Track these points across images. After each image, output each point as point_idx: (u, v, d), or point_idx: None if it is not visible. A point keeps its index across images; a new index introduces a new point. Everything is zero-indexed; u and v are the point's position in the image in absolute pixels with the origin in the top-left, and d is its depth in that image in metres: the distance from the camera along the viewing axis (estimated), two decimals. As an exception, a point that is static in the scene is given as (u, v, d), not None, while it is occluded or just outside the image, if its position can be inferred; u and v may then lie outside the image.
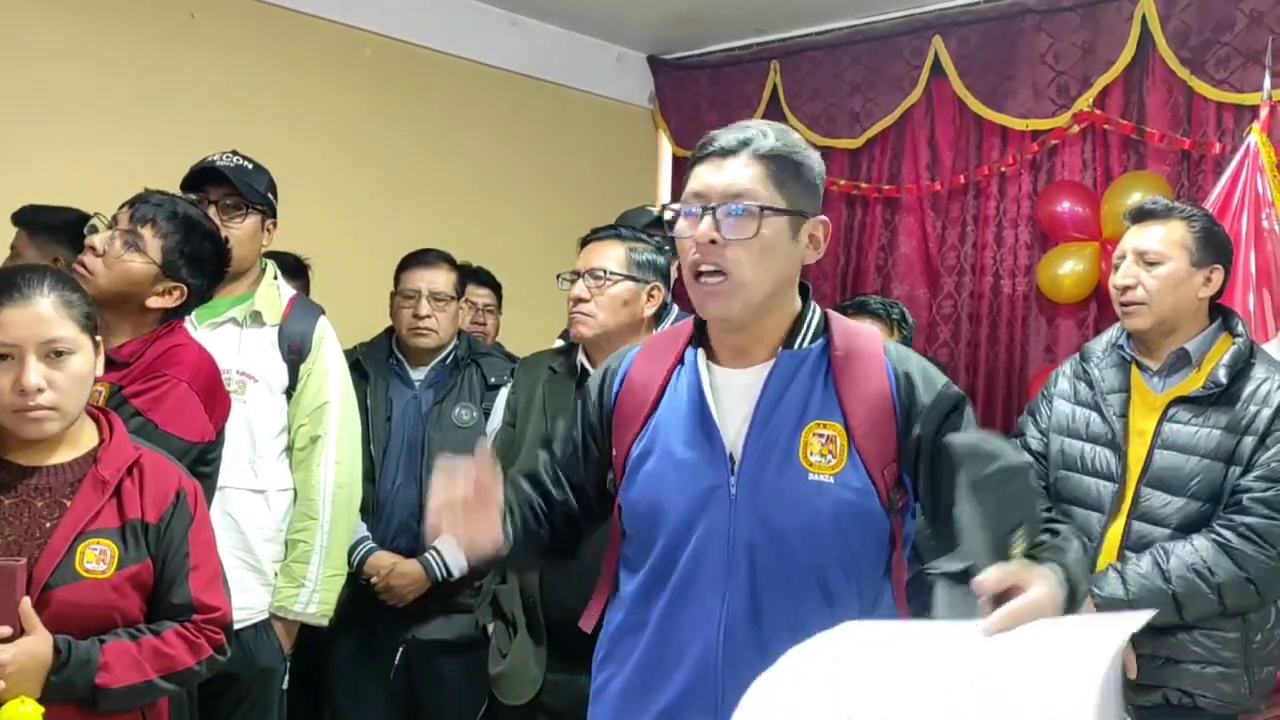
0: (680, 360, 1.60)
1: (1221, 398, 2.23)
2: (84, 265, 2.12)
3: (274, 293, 2.60)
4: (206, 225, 2.25)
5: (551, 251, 2.90)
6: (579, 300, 2.37)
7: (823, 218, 1.59)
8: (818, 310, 1.60)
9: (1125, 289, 2.32)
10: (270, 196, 2.59)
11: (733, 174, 1.50)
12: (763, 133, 1.53)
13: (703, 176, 1.53)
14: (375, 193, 4.06)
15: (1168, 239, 2.32)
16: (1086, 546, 1.45)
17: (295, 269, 3.30)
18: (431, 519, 1.48)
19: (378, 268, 3.25)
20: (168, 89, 3.57)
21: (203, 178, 2.51)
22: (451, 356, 3.03)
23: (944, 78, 4.22)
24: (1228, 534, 2.17)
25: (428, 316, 2.96)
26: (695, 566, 1.52)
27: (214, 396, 2.20)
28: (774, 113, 4.68)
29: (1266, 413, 2.20)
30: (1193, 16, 3.68)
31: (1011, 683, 1.11)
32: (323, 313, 2.67)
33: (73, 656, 1.66)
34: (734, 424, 1.54)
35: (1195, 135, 3.70)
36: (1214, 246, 2.34)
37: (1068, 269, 3.87)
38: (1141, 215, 2.40)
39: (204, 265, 2.21)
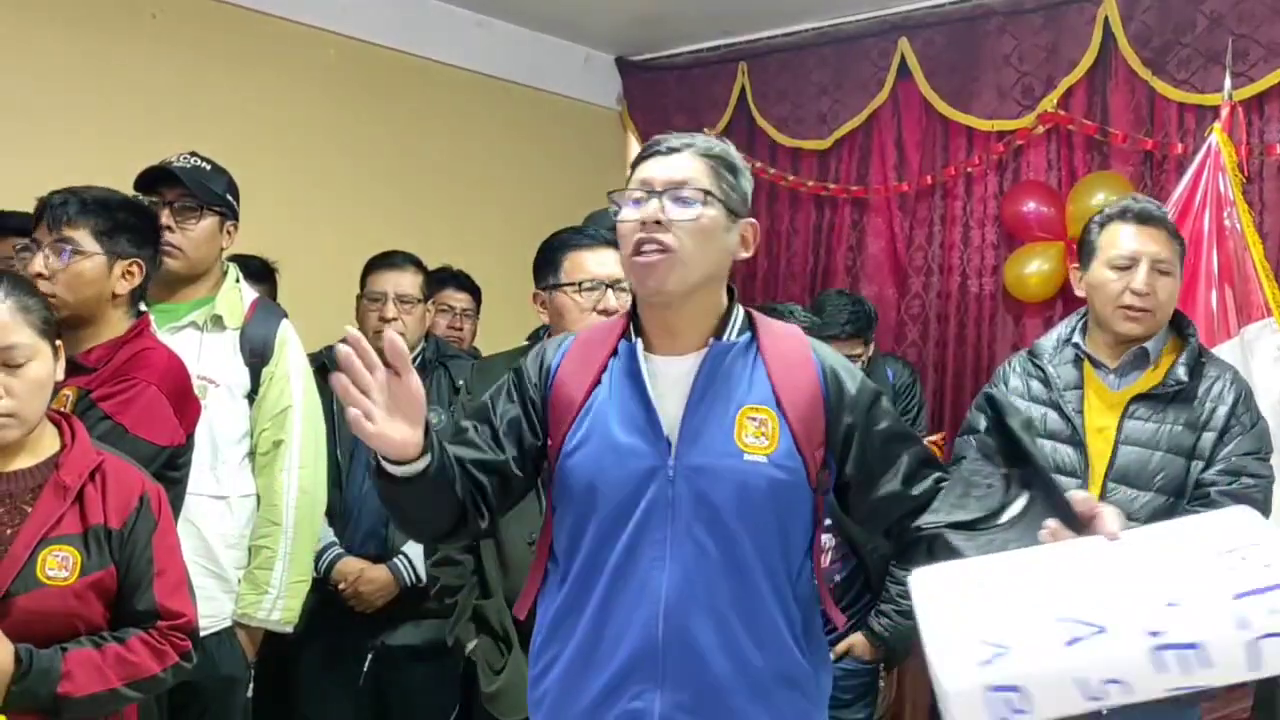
0: (614, 351, 1.67)
1: (1178, 395, 2.29)
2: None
3: (235, 296, 2.56)
4: (118, 196, 2.22)
5: (519, 253, 2.88)
6: (612, 313, 2.24)
7: (753, 220, 1.71)
8: (740, 308, 1.71)
9: (1144, 295, 2.28)
10: (229, 198, 2.54)
11: (678, 166, 1.62)
12: (707, 139, 1.67)
13: (649, 169, 1.64)
14: (340, 195, 4.03)
15: (1172, 248, 2.33)
16: None
17: (261, 272, 3.27)
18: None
19: (344, 270, 3.22)
20: (128, 90, 3.53)
21: (157, 179, 2.47)
22: (419, 360, 3.01)
23: (910, 79, 4.24)
24: None
25: (394, 319, 2.94)
26: (635, 545, 1.59)
27: (184, 400, 2.18)
28: (742, 114, 4.69)
29: (1223, 410, 2.27)
30: (1154, 18, 3.73)
31: (1221, 569, 1.21)
32: (285, 316, 2.63)
33: (34, 666, 1.64)
34: (671, 408, 1.62)
35: (1158, 135, 3.75)
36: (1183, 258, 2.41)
37: (1033, 268, 3.90)
38: (1148, 218, 2.34)
39: (141, 233, 2.19)
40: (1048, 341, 2.47)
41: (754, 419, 1.60)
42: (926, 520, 1.59)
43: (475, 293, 3.63)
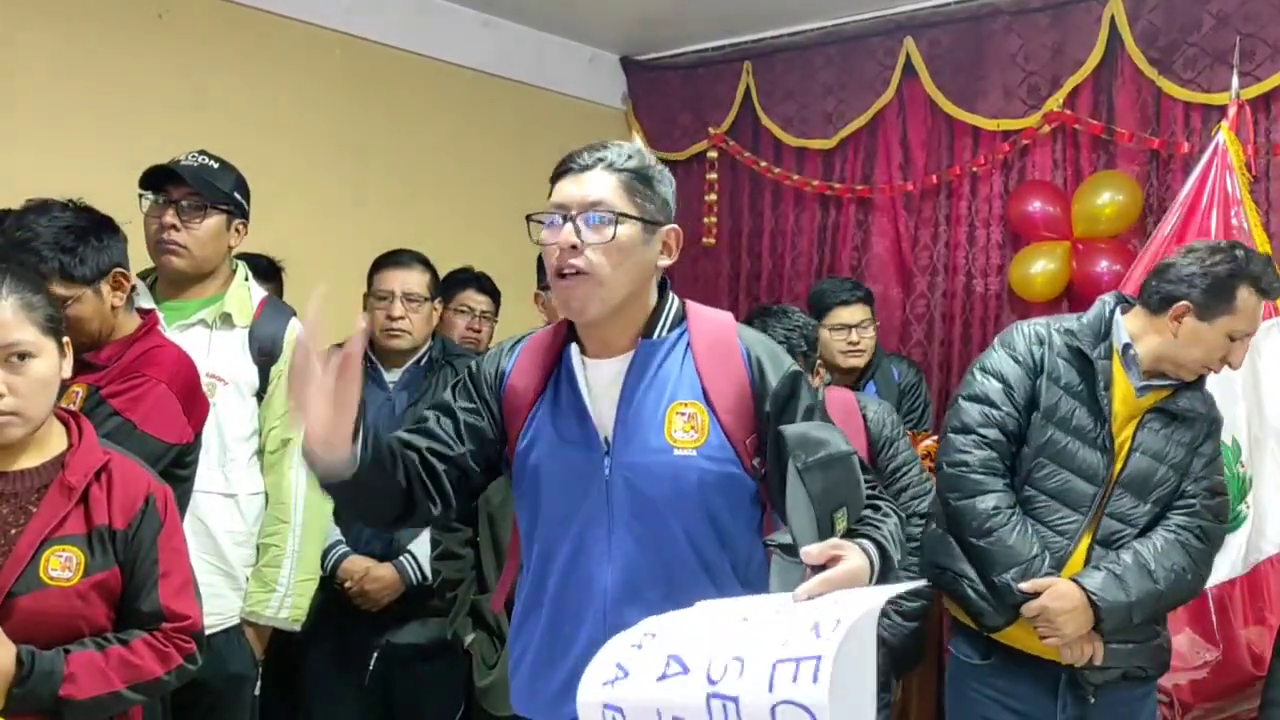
0: (558, 357, 1.73)
1: (1180, 414, 2.34)
2: None
3: (245, 294, 2.56)
4: (60, 220, 2.08)
5: (523, 254, 2.88)
6: None
7: (674, 226, 1.72)
8: (675, 301, 1.73)
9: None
10: (238, 196, 2.54)
11: (590, 186, 1.65)
12: (619, 151, 1.68)
13: (563, 190, 1.66)
14: (346, 193, 4.03)
15: None
16: (903, 520, 1.66)
17: (268, 271, 3.26)
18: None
19: (350, 269, 3.22)
20: (135, 89, 3.53)
21: (163, 178, 2.46)
22: (426, 358, 3.00)
23: (915, 78, 4.24)
24: (1188, 535, 2.32)
25: (401, 318, 2.93)
26: (580, 544, 1.66)
27: (192, 398, 2.18)
28: (747, 113, 4.69)
29: (1214, 435, 2.39)
30: (1160, 17, 3.72)
31: (767, 659, 1.28)
32: (294, 314, 2.63)
33: (36, 668, 1.64)
34: (605, 410, 1.67)
35: (1164, 135, 3.74)
36: None
37: (1039, 268, 3.89)
38: (1276, 296, 2.36)
39: (101, 240, 2.11)
40: (1084, 327, 2.35)
41: (683, 414, 1.64)
42: (773, 536, 1.62)
43: (495, 295, 3.60)
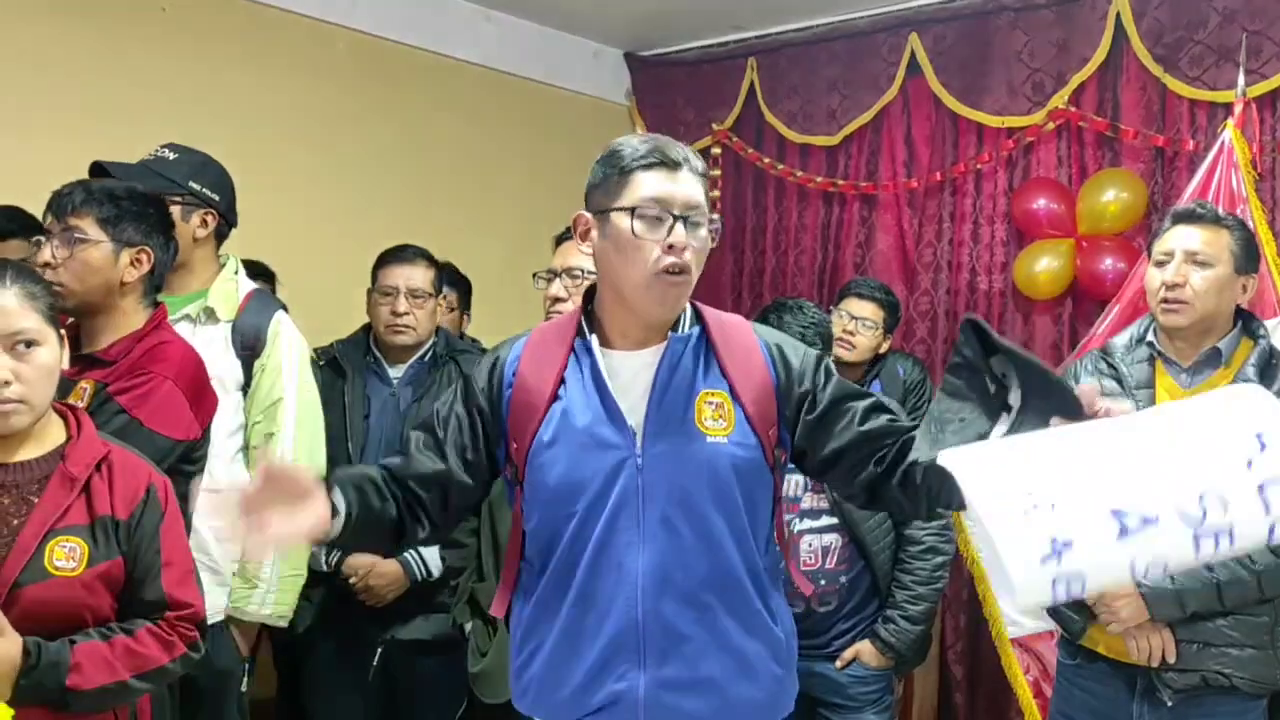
0: (571, 349, 1.74)
1: None
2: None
3: (230, 288, 2.51)
4: (124, 185, 2.21)
5: (528, 248, 2.89)
6: (556, 299, 2.37)
7: None
8: (688, 302, 1.78)
9: (1174, 286, 2.35)
10: (196, 185, 2.46)
11: (689, 187, 1.68)
12: (692, 152, 1.72)
13: (660, 185, 1.66)
14: (349, 189, 4.03)
15: (1218, 243, 2.37)
16: None
17: (264, 275, 3.23)
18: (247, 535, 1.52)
19: (353, 265, 3.22)
20: (138, 84, 3.53)
21: (101, 174, 2.41)
22: (430, 354, 3.00)
23: (920, 75, 4.23)
24: None
25: (406, 313, 2.92)
26: (609, 534, 1.66)
27: (200, 394, 2.17)
28: (751, 109, 4.69)
29: None
30: (1166, 14, 3.71)
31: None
32: (283, 308, 2.61)
33: (42, 659, 1.64)
34: (633, 400, 1.69)
35: (1169, 132, 3.73)
36: (1253, 256, 2.44)
37: (1043, 265, 3.89)
38: (1190, 217, 2.42)
39: (149, 219, 2.18)
40: (1120, 340, 2.50)
41: (711, 403, 1.69)
42: (915, 456, 1.58)
43: None
